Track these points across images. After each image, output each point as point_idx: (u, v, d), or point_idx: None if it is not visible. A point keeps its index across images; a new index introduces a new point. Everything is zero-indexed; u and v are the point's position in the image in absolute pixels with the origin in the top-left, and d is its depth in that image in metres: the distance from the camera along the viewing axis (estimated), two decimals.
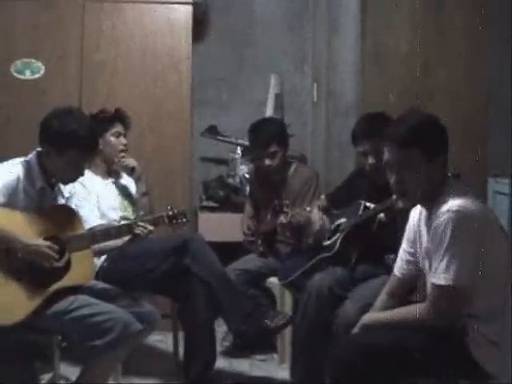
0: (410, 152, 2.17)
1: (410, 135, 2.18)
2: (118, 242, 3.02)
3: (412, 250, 2.34)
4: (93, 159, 3.21)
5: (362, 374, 2.09)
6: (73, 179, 2.74)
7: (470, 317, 2.14)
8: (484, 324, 2.13)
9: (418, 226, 2.30)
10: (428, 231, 2.21)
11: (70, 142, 2.59)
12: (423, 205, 2.27)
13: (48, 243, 2.55)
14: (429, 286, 2.19)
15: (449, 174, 2.24)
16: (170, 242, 3.19)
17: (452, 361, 2.14)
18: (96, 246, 2.83)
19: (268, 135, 3.63)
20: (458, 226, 2.07)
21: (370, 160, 3.00)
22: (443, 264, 2.09)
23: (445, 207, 2.11)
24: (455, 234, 2.07)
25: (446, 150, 2.22)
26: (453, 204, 2.10)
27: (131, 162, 3.46)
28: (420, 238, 2.28)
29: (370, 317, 2.35)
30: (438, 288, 2.11)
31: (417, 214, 2.33)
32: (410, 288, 2.40)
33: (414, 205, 2.31)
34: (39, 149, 2.67)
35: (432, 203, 2.19)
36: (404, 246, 2.38)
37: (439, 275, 2.10)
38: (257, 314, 3.16)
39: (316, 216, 3.27)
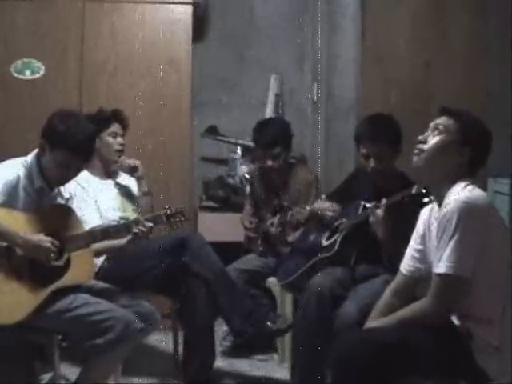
0: (459, 143, 2.20)
1: (471, 132, 2.21)
2: (117, 242, 3.01)
3: (420, 247, 2.34)
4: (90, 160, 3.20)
5: (364, 371, 2.07)
6: (62, 180, 2.71)
7: (475, 321, 2.14)
8: (489, 329, 2.13)
9: (429, 221, 2.30)
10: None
11: (63, 141, 2.58)
12: (433, 193, 2.29)
13: (49, 238, 2.55)
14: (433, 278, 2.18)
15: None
16: (169, 240, 3.18)
17: (455, 364, 2.13)
18: (96, 247, 2.83)
19: (273, 136, 3.62)
20: (462, 216, 2.07)
21: (372, 163, 2.98)
22: (446, 253, 2.09)
23: (452, 198, 2.12)
24: (460, 224, 2.07)
25: (483, 163, 2.27)
26: (460, 196, 2.12)
27: (133, 161, 3.44)
28: (430, 232, 2.28)
29: (373, 323, 2.33)
30: (439, 277, 2.11)
31: (427, 211, 2.34)
32: (415, 286, 2.39)
33: (421, 168, 2.28)
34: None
35: (443, 198, 2.20)
36: (412, 243, 2.38)
37: (441, 264, 2.10)
38: (257, 314, 3.16)
39: (325, 205, 3.25)
